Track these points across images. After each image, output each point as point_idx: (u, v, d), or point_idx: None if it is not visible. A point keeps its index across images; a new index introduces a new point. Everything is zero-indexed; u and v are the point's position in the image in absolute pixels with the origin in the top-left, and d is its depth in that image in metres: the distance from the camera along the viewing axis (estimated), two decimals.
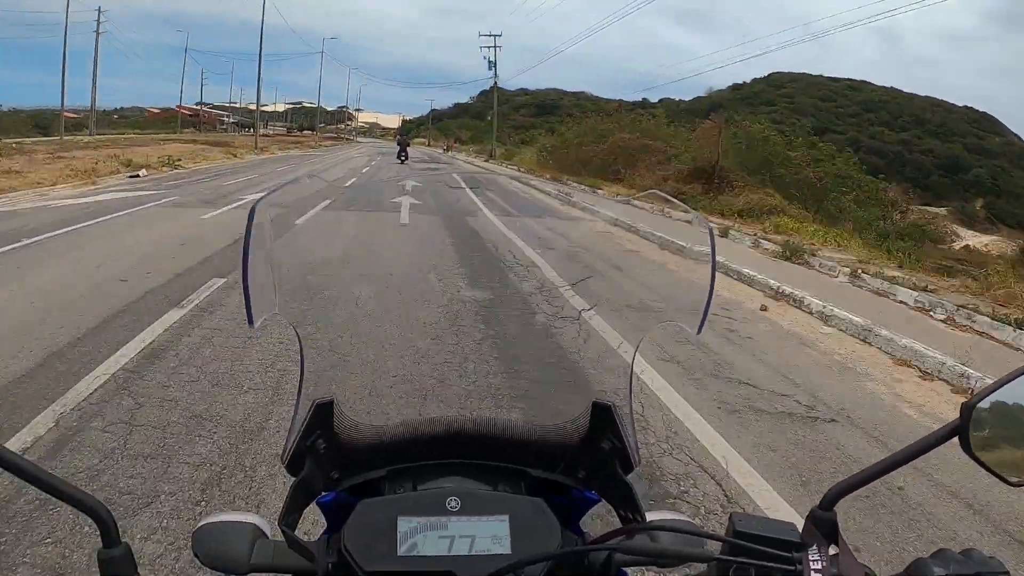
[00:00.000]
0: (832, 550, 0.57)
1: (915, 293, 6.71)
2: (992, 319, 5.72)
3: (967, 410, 0.56)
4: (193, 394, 3.28)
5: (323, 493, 0.68)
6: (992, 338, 5.51)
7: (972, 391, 4.15)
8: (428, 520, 0.60)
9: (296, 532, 0.61)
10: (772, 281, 6.97)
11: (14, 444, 2.63)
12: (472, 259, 7.49)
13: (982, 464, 0.57)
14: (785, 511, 2.56)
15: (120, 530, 0.58)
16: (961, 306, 6.13)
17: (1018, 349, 5.23)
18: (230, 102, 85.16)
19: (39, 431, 2.81)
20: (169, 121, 60.50)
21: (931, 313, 6.23)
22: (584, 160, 23.89)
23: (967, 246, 16.59)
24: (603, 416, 0.66)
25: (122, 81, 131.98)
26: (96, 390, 3.26)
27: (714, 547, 0.60)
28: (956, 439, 0.56)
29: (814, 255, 8.81)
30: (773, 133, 19.43)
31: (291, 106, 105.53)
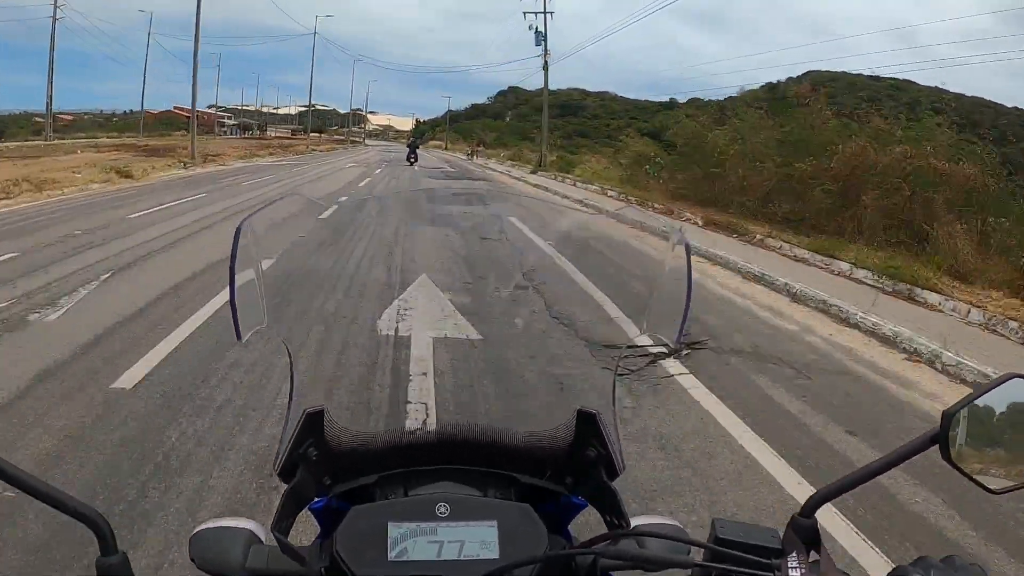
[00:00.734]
0: (812, 556, 0.58)
1: None
2: None
3: (946, 418, 0.56)
4: None
5: (315, 499, 0.70)
6: None
7: None
8: (418, 526, 0.61)
9: (289, 538, 0.62)
10: None
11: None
12: None
13: (962, 472, 0.58)
14: None
15: (117, 538, 0.58)
16: None
17: None
18: (242, 105, 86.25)
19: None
20: (167, 123, 60.42)
21: None
22: (756, 187, 12.47)
23: None
24: (588, 424, 0.69)
25: (159, 86, 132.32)
26: None
27: (697, 553, 0.61)
28: (936, 447, 0.57)
29: None
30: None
31: (304, 108, 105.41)
